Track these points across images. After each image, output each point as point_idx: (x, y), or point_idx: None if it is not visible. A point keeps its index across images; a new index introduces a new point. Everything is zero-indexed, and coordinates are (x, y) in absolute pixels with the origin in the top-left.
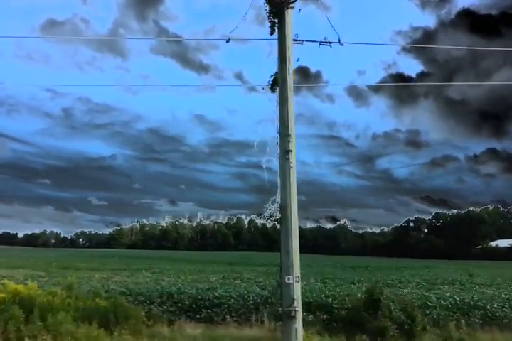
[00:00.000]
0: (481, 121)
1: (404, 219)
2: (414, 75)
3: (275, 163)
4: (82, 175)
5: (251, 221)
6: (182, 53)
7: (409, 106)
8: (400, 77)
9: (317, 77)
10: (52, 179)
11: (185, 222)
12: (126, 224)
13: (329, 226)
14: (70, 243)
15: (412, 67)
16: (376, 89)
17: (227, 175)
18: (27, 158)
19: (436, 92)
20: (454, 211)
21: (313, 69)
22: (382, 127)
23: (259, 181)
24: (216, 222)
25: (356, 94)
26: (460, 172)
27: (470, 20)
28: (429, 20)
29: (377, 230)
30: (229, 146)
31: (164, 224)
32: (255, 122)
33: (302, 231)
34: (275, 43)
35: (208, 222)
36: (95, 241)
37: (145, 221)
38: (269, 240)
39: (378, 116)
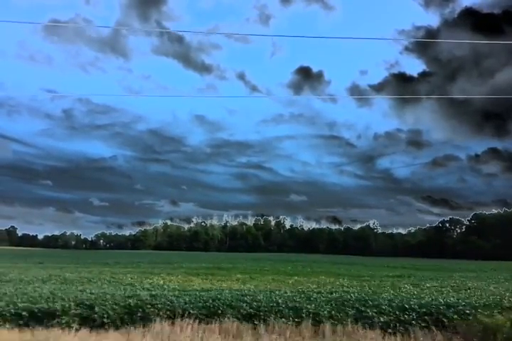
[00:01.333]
0: (484, 120)
1: (440, 220)
2: (416, 75)
3: (275, 164)
4: (83, 176)
5: (277, 222)
6: (184, 53)
7: (411, 105)
8: (401, 77)
9: (319, 76)
10: (53, 180)
11: (214, 222)
12: (151, 225)
13: (357, 226)
14: (91, 244)
15: (414, 66)
16: (378, 88)
17: (227, 176)
18: (28, 159)
19: (439, 92)
20: (495, 211)
21: (315, 69)
22: (384, 127)
23: (260, 181)
24: (243, 223)
25: (358, 94)
26: (461, 172)
27: (472, 19)
28: (432, 19)
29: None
30: (229, 147)
31: (187, 226)
32: (256, 123)
33: (331, 233)
34: (279, 43)
35: (234, 223)
36: (115, 243)
37: (169, 222)
38: (299, 241)
39: (380, 116)
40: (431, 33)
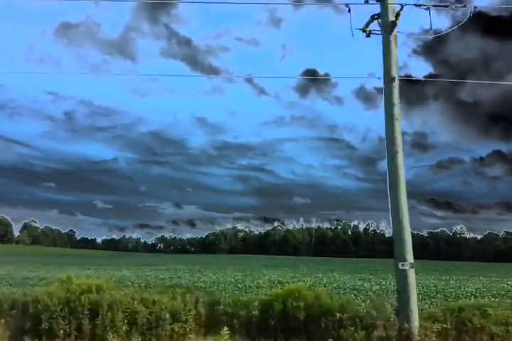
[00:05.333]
0: (491, 123)
1: None
2: (421, 77)
3: (276, 166)
4: (85, 178)
5: (355, 227)
6: (192, 56)
7: (418, 108)
8: (408, 80)
9: (325, 79)
10: (56, 182)
11: (297, 226)
12: (222, 227)
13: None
14: (151, 248)
15: (422, 69)
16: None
17: (228, 178)
18: (30, 161)
19: (447, 94)
20: None
21: (321, 72)
22: None
23: (261, 184)
24: (319, 227)
25: (365, 96)
26: (466, 175)
27: (481, 23)
28: (444, 22)
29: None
30: (231, 149)
31: (257, 229)
32: (257, 125)
33: (420, 238)
34: (289, 46)
35: (314, 226)
36: (175, 246)
37: (239, 226)
38: (389, 246)
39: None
40: (440, 36)
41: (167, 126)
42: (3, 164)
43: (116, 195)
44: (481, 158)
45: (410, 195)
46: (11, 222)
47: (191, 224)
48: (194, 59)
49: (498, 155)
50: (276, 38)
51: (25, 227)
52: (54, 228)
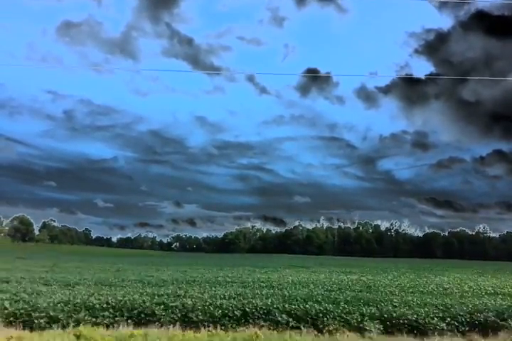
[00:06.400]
0: (492, 122)
1: None
2: (423, 77)
3: (276, 165)
4: (85, 177)
5: (376, 226)
6: (194, 55)
7: (419, 107)
8: (409, 79)
9: (327, 78)
10: (56, 181)
11: (318, 225)
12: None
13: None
14: (167, 246)
15: (424, 68)
16: (386, 90)
17: (228, 177)
18: (29, 160)
19: (448, 93)
20: None
21: (322, 71)
22: (390, 129)
23: (261, 183)
24: (340, 227)
25: (366, 96)
26: (466, 174)
27: (483, 22)
28: (446, 21)
29: None
30: (230, 148)
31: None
32: (256, 124)
33: (443, 237)
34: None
35: (335, 226)
36: (190, 245)
37: (258, 225)
38: (414, 245)
39: (387, 118)
40: (441, 36)
41: (167, 125)
42: (3, 163)
43: (117, 193)
44: (482, 158)
45: (410, 193)
46: (32, 221)
47: (191, 222)
48: (196, 58)
49: (498, 154)
50: (278, 37)
51: (45, 226)
52: (71, 227)
